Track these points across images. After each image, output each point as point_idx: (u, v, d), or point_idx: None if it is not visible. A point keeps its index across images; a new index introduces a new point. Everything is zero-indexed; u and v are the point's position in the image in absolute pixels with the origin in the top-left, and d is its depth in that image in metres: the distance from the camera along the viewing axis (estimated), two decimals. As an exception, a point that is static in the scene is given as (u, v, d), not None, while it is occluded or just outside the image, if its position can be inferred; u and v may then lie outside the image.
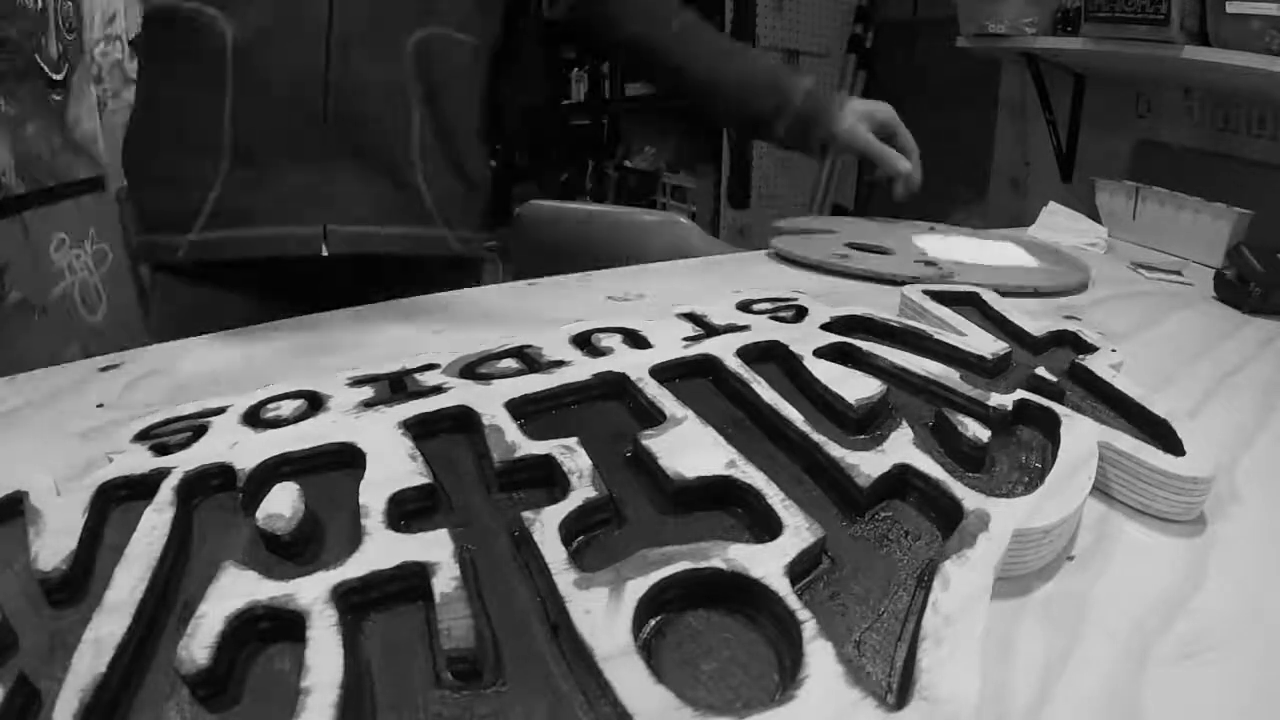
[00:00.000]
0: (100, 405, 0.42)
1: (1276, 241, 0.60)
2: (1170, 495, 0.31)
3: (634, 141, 3.28)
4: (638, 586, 0.23)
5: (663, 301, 0.48)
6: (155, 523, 0.28)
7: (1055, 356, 0.42)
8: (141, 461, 0.32)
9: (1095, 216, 0.87)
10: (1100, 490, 0.33)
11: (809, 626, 0.21)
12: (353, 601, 0.24)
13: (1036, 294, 0.58)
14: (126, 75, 2.14)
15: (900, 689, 0.21)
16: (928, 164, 0.75)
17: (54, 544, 0.27)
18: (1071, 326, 0.44)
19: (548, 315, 0.45)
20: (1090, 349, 0.42)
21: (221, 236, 0.61)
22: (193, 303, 0.66)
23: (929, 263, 0.63)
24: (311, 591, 0.24)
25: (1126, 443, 0.32)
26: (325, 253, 0.62)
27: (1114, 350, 0.41)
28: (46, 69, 1.70)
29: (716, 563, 0.24)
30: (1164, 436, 0.34)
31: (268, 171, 0.61)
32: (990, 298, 0.49)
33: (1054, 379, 0.37)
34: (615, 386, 0.38)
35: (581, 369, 0.39)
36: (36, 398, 0.43)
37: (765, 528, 0.26)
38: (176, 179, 0.61)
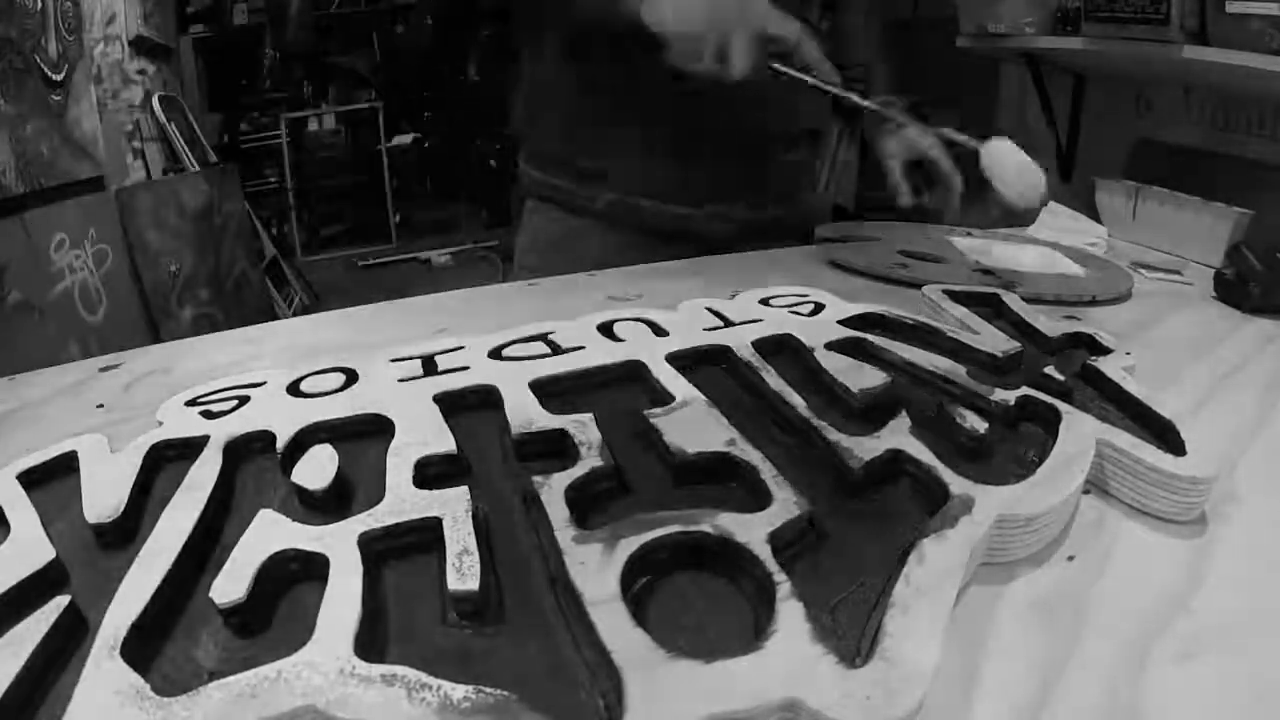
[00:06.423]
0: (100, 405, 0.42)
1: (1276, 241, 0.58)
2: (1170, 495, 0.31)
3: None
4: (630, 544, 0.25)
5: (662, 301, 0.48)
6: (201, 477, 0.31)
7: (1069, 358, 0.42)
8: (190, 425, 0.35)
9: (1095, 216, 0.86)
10: (1101, 490, 0.33)
11: (783, 588, 0.23)
12: (375, 549, 0.26)
13: (1094, 303, 0.58)
14: (126, 75, 2.12)
15: (869, 653, 0.22)
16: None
17: (107, 494, 0.30)
18: (1073, 327, 0.45)
19: (549, 314, 0.46)
20: (1104, 351, 0.42)
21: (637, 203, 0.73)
22: (564, 230, 0.76)
23: (986, 271, 0.63)
24: (338, 537, 0.26)
25: (1126, 440, 0.33)
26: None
27: (1128, 354, 0.41)
28: (46, 69, 1.70)
29: (705, 527, 0.25)
30: (1168, 437, 0.34)
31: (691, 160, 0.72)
32: (1010, 299, 0.49)
33: (1061, 378, 0.38)
34: (632, 371, 0.40)
35: (602, 354, 0.41)
36: (36, 398, 0.44)
37: (757, 501, 0.28)
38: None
